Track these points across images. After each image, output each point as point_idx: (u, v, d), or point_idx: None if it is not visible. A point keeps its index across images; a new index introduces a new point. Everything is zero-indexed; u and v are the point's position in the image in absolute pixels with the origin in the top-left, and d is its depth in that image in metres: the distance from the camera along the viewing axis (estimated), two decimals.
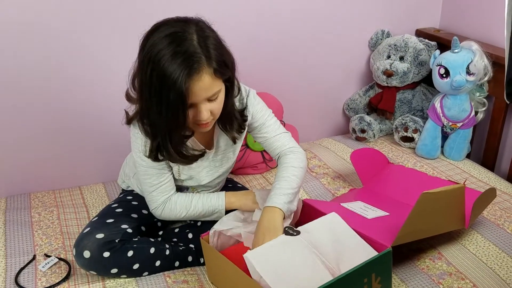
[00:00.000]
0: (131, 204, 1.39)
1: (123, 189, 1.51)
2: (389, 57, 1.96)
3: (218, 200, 1.33)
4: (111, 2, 1.60)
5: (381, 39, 2.02)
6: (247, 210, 1.32)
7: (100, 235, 1.21)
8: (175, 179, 1.34)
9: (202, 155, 1.28)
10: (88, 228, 1.25)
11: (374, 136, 1.97)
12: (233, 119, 1.28)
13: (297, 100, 2.01)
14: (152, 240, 1.31)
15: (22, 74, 1.59)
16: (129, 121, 1.25)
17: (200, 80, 1.08)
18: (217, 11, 1.72)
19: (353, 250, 1.14)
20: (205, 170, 1.36)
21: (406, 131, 1.89)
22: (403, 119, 1.90)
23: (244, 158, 1.79)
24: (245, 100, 1.31)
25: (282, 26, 1.87)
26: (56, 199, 1.65)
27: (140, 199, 1.40)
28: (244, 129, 1.33)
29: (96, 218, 1.31)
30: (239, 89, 1.28)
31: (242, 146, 1.78)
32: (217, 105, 1.16)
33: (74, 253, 1.23)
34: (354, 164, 1.62)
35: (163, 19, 1.13)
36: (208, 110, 1.14)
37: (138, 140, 1.25)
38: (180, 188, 1.38)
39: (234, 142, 1.34)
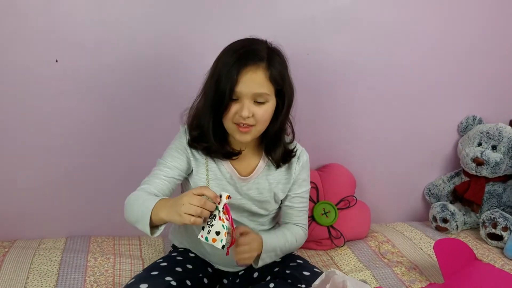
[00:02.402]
0: (175, 259, 1.33)
1: (173, 245, 1.46)
2: (480, 144, 1.82)
3: (149, 202, 1.10)
4: None
5: (472, 125, 1.89)
6: (172, 221, 1.06)
7: (144, 285, 1.14)
8: None
9: (239, 153, 1.26)
10: (133, 280, 1.19)
11: (457, 228, 1.79)
12: (279, 145, 1.27)
13: (372, 177, 1.89)
14: None
15: (100, 129, 1.61)
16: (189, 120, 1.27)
17: (253, 72, 1.12)
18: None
19: None
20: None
21: (495, 228, 1.70)
22: (492, 214, 1.72)
23: (308, 231, 1.66)
24: (300, 155, 1.33)
25: (367, 103, 1.81)
26: (115, 247, 1.61)
27: (185, 254, 1.36)
28: (291, 158, 1.31)
29: (141, 271, 1.25)
30: (293, 135, 1.31)
31: (308, 218, 1.67)
32: (262, 112, 1.16)
33: None
34: (437, 255, 1.45)
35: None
36: (251, 111, 1.14)
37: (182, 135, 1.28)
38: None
39: (277, 167, 1.30)
